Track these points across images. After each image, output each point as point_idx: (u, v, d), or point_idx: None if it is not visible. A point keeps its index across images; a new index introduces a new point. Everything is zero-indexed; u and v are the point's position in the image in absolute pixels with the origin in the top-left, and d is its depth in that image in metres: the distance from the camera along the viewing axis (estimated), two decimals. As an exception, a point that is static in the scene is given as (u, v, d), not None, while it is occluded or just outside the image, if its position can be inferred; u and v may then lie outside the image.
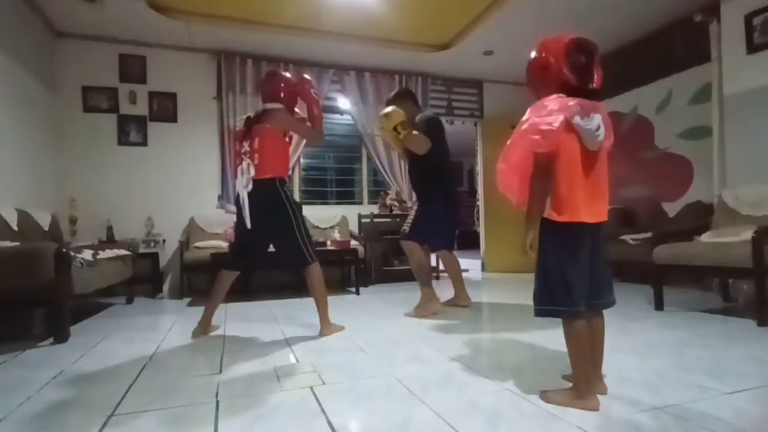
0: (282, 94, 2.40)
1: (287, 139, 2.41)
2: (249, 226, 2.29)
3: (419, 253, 2.99)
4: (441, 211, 2.97)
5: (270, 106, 2.38)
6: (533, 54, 1.42)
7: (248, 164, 2.29)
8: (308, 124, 2.46)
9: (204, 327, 2.43)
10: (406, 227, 3.00)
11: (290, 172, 2.62)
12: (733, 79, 3.34)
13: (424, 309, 2.89)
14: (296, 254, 2.36)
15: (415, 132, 2.83)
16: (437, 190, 2.96)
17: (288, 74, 2.56)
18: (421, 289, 2.97)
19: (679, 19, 3.92)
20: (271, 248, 2.46)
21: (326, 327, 2.41)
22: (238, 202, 2.37)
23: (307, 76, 2.53)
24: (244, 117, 2.46)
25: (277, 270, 4.36)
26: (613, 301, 1.46)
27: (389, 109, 2.86)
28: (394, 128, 2.81)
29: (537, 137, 1.28)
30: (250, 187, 2.28)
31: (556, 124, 1.26)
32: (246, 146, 2.32)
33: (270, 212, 2.32)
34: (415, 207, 3.02)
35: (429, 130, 2.86)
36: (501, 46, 4.54)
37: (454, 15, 4.02)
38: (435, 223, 2.96)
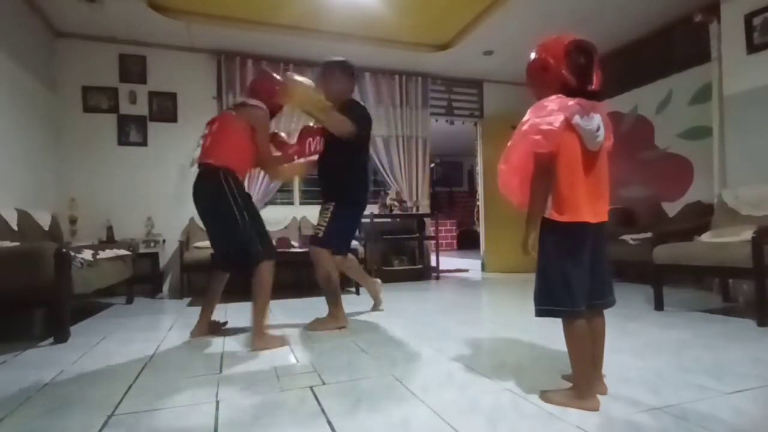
0: (269, 95, 2.24)
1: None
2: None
3: (331, 263, 2.57)
4: (358, 213, 2.68)
5: (252, 101, 2.22)
6: (533, 55, 1.42)
7: (198, 145, 2.13)
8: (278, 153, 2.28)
9: (201, 327, 2.40)
10: (318, 231, 2.56)
11: (246, 173, 2.30)
12: (733, 79, 3.34)
13: (327, 324, 2.54)
14: (240, 249, 2.10)
15: (335, 113, 2.36)
16: (361, 190, 2.62)
17: (278, 76, 2.32)
18: (330, 305, 2.58)
19: (679, 19, 3.92)
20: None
21: (259, 339, 2.08)
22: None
23: (316, 131, 2.35)
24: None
25: (277, 270, 4.35)
26: (613, 301, 1.46)
27: (304, 81, 2.29)
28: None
29: (537, 137, 1.28)
30: (195, 169, 2.12)
31: (557, 124, 1.27)
32: (205, 129, 2.19)
33: (209, 203, 2.13)
34: (330, 207, 2.56)
35: (357, 117, 2.45)
36: (501, 46, 4.54)
37: (454, 15, 4.02)
38: (351, 226, 2.68)
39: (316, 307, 3.31)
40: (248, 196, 2.18)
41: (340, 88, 2.57)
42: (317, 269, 2.57)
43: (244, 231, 2.10)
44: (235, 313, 3.04)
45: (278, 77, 2.34)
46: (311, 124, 2.51)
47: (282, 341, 2.19)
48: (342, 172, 2.55)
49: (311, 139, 2.29)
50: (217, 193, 2.07)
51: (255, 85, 2.33)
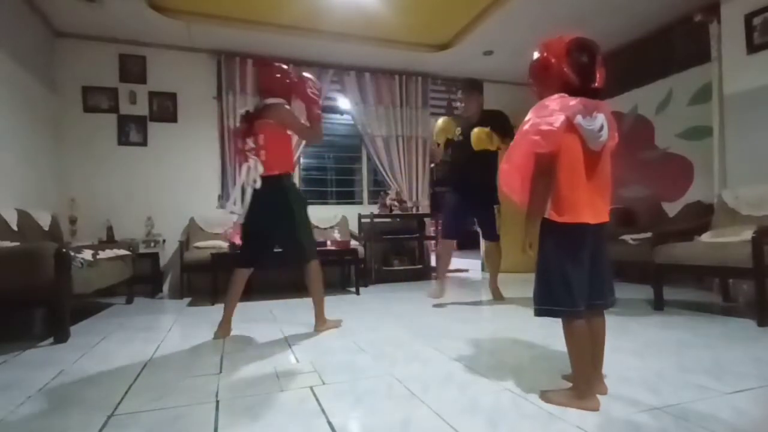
0: (278, 88, 2.43)
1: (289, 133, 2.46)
2: (242, 220, 2.35)
3: None
4: None
5: (271, 101, 2.39)
6: (535, 54, 1.42)
7: (256, 161, 2.31)
8: (306, 122, 2.47)
9: (225, 328, 2.42)
10: (498, 230, 3.29)
11: (294, 167, 2.60)
12: (733, 79, 3.34)
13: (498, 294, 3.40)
14: (298, 250, 2.40)
15: (507, 139, 3.02)
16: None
17: (283, 66, 2.53)
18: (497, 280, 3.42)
19: (679, 19, 3.92)
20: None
21: (321, 323, 2.49)
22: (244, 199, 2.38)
23: (306, 74, 2.49)
24: (243, 112, 2.47)
25: (277, 269, 4.35)
26: (614, 301, 1.46)
27: (486, 131, 3.00)
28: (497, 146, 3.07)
29: (537, 138, 1.28)
30: (259, 184, 2.30)
31: (557, 125, 1.26)
32: (250, 143, 2.33)
33: (277, 208, 2.35)
34: (492, 208, 3.25)
35: (512, 129, 3.05)
36: (501, 46, 4.53)
37: (454, 15, 4.01)
38: None
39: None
40: (305, 202, 2.49)
41: (479, 104, 3.27)
42: (500, 255, 3.38)
43: (304, 233, 2.42)
44: (235, 314, 3.04)
45: (284, 66, 2.53)
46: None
47: (337, 323, 2.57)
48: (495, 177, 3.11)
49: (309, 89, 2.43)
50: (282, 199, 2.36)
51: (268, 84, 2.47)
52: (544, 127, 1.27)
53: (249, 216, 2.36)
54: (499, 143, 3.04)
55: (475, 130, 3.01)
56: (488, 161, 3.17)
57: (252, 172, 2.30)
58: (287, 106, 2.41)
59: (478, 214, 3.38)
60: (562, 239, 1.34)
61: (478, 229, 3.60)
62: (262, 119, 2.34)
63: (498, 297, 3.37)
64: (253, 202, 2.34)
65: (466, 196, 3.25)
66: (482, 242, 5.59)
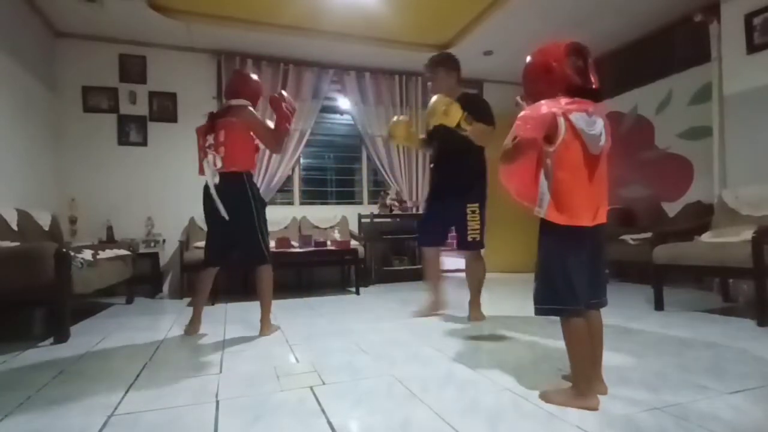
0: (246, 93, 2.45)
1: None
2: (226, 217, 2.32)
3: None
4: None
5: (236, 102, 2.41)
6: (530, 60, 1.47)
7: (213, 156, 2.31)
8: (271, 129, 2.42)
9: (196, 325, 2.47)
10: (475, 236, 2.61)
11: (256, 167, 2.59)
12: (733, 79, 3.34)
13: (477, 314, 2.74)
14: (253, 251, 2.39)
15: (479, 124, 2.35)
16: (486, 186, 2.66)
17: (255, 76, 2.60)
18: (477, 297, 2.77)
19: (679, 19, 3.92)
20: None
21: (266, 328, 2.45)
22: (206, 197, 2.39)
23: (284, 92, 2.44)
24: (207, 113, 2.48)
25: (277, 270, 4.35)
26: (606, 301, 1.48)
27: (444, 100, 2.26)
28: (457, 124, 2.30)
29: (519, 122, 1.34)
30: (217, 179, 2.31)
31: (543, 111, 1.31)
32: (210, 140, 2.34)
33: (234, 206, 2.34)
34: (477, 209, 2.61)
35: (490, 117, 2.47)
36: (501, 46, 4.53)
37: (454, 15, 4.01)
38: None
39: (313, 306, 3.31)
40: (264, 203, 2.45)
41: (448, 84, 2.61)
42: (480, 269, 2.74)
43: (261, 234, 2.39)
44: (235, 314, 3.05)
45: (254, 77, 2.58)
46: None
47: (278, 328, 2.55)
48: (480, 172, 2.66)
49: (283, 102, 2.37)
50: (242, 197, 2.34)
51: (237, 87, 2.48)
52: (528, 113, 1.33)
53: (209, 213, 2.37)
54: (463, 120, 2.27)
55: (433, 98, 2.31)
56: (461, 150, 2.55)
57: (210, 168, 2.31)
58: (251, 108, 2.41)
59: (452, 215, 2.73)
60: (561, 239, 1.35)
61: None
62: (224, 118, 2.35)
63: (476, 318, 2.71)
64: (210, 199, 2.34)
65: (441, 195, 2.74)
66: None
